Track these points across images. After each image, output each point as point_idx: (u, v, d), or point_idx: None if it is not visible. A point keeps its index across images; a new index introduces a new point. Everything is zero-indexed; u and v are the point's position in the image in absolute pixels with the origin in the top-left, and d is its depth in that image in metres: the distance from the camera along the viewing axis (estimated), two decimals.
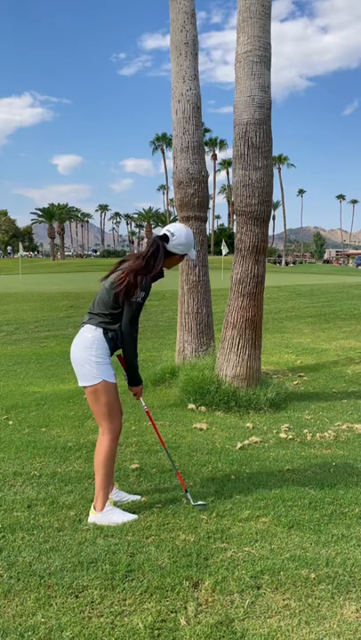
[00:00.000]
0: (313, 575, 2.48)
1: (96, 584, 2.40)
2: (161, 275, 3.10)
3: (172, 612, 2.22)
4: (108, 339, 2.99)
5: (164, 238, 3.09)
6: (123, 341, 3.01)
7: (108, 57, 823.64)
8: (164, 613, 2.21)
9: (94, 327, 3.00)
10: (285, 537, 2.85)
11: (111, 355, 3.08)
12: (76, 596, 2.32)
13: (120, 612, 2.21)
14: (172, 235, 3.09)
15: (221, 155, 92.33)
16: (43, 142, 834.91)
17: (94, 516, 3.02)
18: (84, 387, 3.03)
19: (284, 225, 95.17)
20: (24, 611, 2.22)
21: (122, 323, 2.98)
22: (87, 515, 3.07)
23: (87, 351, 2.98)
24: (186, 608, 2.24)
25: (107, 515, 3.01)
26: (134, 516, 3.04)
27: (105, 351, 2.99)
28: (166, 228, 3.15)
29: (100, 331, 2.98)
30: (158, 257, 3.03)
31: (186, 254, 3.14)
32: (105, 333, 2.98)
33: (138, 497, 3.32)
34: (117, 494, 3.27)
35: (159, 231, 3.18)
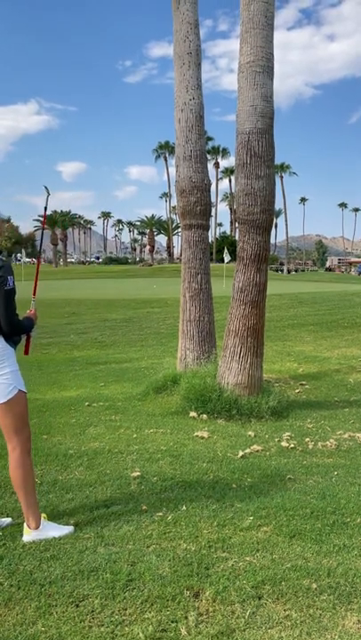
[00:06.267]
0: (314, 585, 2.46)
1: (97, 593, 2.39)
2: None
3: (172, 622, 2.20)
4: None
5: None
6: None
7: (113, 64, 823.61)
8: (165, 623, 2.20)
9: None
10: (287, 547, 2.84)
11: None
12: (77, 605, 2.31)
13: (121, 622, 2.20)
14: None
15: (224, 163, 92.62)
16: (48, 149, 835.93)
17: (29, 536, 2.90)
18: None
19: (287, 233, 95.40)
20: (24, 619, 2.21)
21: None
22: (87, 523, 3.06)
23: None
24: (187, 618, 2.23)
25: (44, 531, 2.92)
26: (70, 528, 2.98)
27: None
28: None
29: None
30: None
31: None
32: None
33: (9, 520, 3.13)
34: None
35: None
